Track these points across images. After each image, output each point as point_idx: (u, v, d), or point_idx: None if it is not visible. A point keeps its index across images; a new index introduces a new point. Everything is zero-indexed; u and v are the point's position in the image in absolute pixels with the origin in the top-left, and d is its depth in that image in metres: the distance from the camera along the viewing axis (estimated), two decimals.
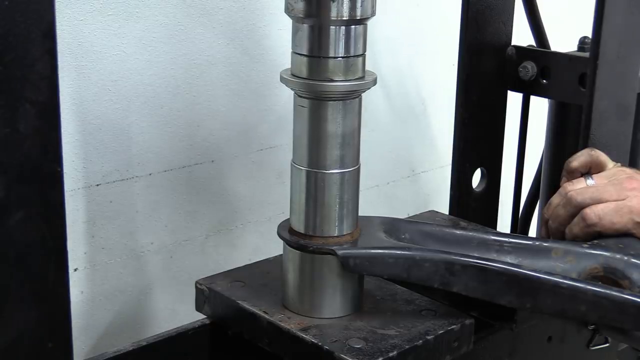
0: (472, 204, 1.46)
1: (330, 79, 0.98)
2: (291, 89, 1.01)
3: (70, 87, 1.26)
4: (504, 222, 1.56)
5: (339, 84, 0.98)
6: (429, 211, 1.38)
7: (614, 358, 1.34)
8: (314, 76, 0.98)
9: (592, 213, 1.09)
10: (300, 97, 1.00)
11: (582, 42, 1.47)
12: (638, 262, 1.05)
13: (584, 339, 1.28)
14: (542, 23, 1.48)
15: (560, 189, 1.15)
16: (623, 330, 1.02)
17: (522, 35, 1.48)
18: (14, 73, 0.74)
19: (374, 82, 1.01)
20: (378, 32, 1.62)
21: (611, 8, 1.24)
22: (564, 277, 1.00)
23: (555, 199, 1.14)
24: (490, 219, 1.50)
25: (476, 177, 1.47)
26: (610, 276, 1.06)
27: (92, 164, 1.32)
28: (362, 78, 1.00)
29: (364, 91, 1.01)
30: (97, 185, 1.33)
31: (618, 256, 1.06)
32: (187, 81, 1.39)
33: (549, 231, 1.16)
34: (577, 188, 1.12)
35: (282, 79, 1.00)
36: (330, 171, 1.01)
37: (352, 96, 1.00)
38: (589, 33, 1.29)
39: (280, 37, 1.44)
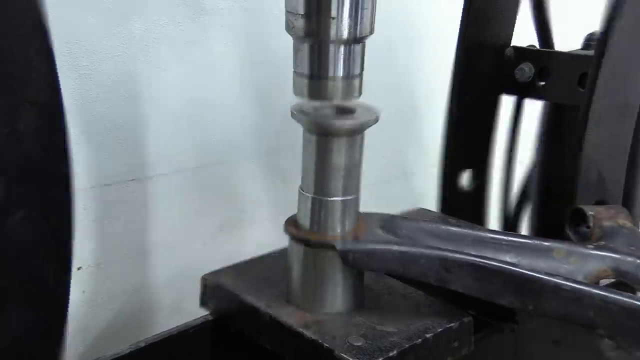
0: (461, 205, 1.44)
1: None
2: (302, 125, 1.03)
3: (73, 87, 1.27)
4: (492, 226, 1.54)
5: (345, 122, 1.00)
6: (419, 209, 1.36)
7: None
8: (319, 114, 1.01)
9: None
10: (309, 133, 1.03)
11: (589, 38, 1.41)
12: None
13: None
14: (550, 21, 1.43)
15: None
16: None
17: (522, 36, 1.48)
18: (13, 72, 0.75)
19: (376, 120, 1.02)
20: (377, 32, 1.61)
21: (628, 3, 1.19)
22: (567, 279, 0.96)
23: None
24: (478, 222, 1.47)
25: (465, 179, 1.46)
26: (622, 280, 1.02)
27: (100, 164, 1.32)
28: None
29: (366, 129, 1.02)
30: (106, 185, 1.34)
31: (629, 259, 1.02)
32: (191, 82, 1.40)
33: None
34: None
35: (293, 115, 1.02)
36: (332, 198, 1.02)
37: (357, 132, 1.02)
38: (589, 32, 1.28)
39: (280, 38, 1.44)
